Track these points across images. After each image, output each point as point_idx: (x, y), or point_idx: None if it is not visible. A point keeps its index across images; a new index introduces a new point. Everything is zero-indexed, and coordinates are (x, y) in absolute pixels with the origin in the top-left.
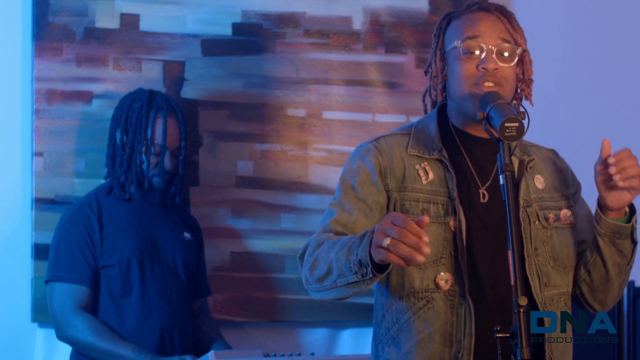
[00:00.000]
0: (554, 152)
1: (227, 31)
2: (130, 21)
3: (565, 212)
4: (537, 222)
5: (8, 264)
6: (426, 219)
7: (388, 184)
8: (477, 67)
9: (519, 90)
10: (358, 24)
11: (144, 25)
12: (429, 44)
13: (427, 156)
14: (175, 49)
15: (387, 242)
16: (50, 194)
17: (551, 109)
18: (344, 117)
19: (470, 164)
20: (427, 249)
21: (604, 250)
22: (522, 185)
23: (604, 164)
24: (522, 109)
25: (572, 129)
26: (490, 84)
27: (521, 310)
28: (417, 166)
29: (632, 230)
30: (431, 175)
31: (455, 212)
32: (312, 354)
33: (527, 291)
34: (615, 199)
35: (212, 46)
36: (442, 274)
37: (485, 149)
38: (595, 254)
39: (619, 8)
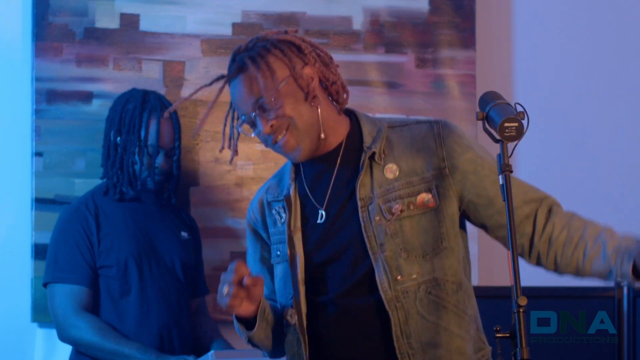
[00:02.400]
0: (430, 124)
1: (227, 31)
2: (130, 21)
3: (422, 197)
4: (378, 218)
5: (8, 264)
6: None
7: (263, 238)
8: (260, 137)
9: (333, 97)
10: (358, 24)
11: (144, 25)
12: (429, 44)
13: (280, 198)
14: (175, 49)
15: (224, 290)
16: (50, 194)
17: (551, 108)
18: None
19: (308, 192)
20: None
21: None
22: (364, 182)
23: None
24: (521, 109)
25: (572, 129)
26: (280, 138)
27: (520, 311)
28: (274, 211)
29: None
30: (284, 216)
31: (294, 248)
32: None
33: (373, 292)
34: None
35: (212, 46)
36: (288, 309)
37: (321, 167)
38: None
39: (619, 7)
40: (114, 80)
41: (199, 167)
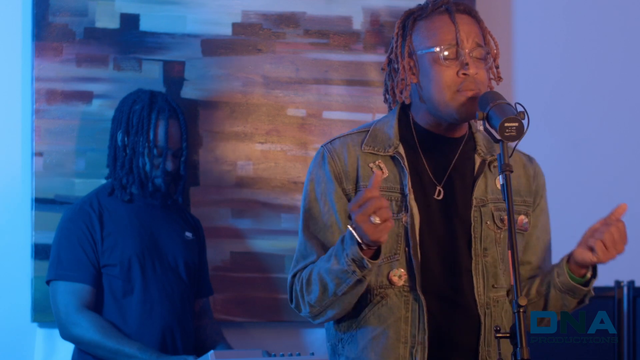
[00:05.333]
0: (529, 158)
1: (227, 31)
2: (130, 21)
3: (522, 219)
4: (488, 222)
5: (8, 264)
6: (378, 173)
7: (345, 189)
8: (457, 73)
9: None
10: (358, 24)
11: (144, 25)
12: None
13: (381, 153)
14: (175, 49)
15: (375, 219)
16: (50, 194)
17: (551, 108)
18: (344, 117)
19: (425, 162)
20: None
21: (551, 300)
22: (480, 184)
23: (607, 224)
24: (521, 109)
25: (572, 129)
26: (471, 90)
27: (521, 310)
28: (371, 164)
29: (586, 295)
30: (385, 172)
31: (407, 209)
32: (312, 353)
33: (470, 291)
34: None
35: (212, 46)
36: (395, 269)
37: (443, 147)
38: (542, 298)
39: (619, 7)
40: (114, 80)
41: (199, 167)
